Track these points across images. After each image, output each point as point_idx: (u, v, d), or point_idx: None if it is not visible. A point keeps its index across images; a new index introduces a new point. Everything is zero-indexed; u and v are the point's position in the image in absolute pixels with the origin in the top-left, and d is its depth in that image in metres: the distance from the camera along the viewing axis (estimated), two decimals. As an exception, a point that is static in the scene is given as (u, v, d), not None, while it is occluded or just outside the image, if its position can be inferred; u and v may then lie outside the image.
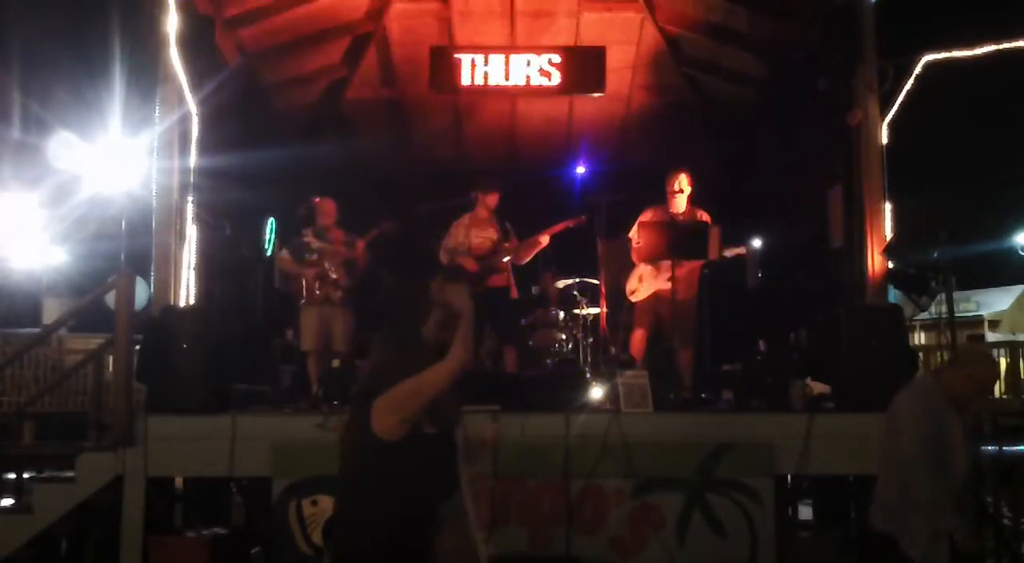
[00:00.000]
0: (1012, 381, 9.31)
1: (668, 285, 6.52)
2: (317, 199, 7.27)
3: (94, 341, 7.44)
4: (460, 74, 7.95)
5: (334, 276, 7.06)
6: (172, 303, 5.95)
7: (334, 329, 7.04)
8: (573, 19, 8.17)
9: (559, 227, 7.09)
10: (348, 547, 3.03)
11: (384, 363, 3.13)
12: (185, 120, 6.24)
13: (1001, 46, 6.72)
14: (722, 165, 8.69)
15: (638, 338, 6.94)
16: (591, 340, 7.29)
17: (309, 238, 7.16)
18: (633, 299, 7.04)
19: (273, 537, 5.39)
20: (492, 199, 7.21)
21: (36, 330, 10.14)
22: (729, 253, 6.90)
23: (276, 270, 7.59)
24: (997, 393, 9.59)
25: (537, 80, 7.99)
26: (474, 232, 7.21)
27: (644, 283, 6.96)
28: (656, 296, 6.89)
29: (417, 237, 7.55)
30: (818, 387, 5.99)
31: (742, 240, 7.25)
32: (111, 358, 6.02)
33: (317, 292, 7.04)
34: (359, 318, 7.12)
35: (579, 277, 7.52)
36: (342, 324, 7.07)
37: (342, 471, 3.11)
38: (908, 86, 6.48)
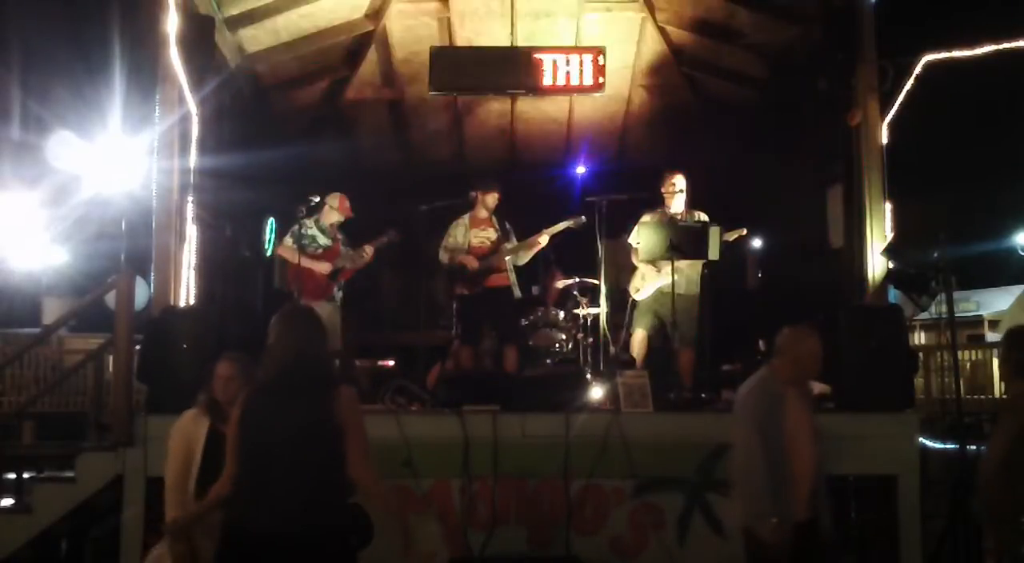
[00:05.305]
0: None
1: (669, 285, 6.52)
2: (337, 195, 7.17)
3: (94, 341, 7.43)
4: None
5: (348, 275, 7.07)
6: (172, 303, 5.94)
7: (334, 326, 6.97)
8: (573, 19, 8.16)
9: (559, 228, 7.09)
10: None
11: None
12: (185, 120, 6.22)
13: (1001, 46, 6.72)
14: (722, 165, 8.67)
15: (638, 338, 6.94)
16: (591, 340, 7.29)
17: (314, 231, 7.11)
18: (636, 297, 7.03)
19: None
20: (491, 199, 7.21)
21: (36, 330, 10.12)
22: (730, 237, 6.88)
23: (277, 268, 7.54)
24: (997, 393, 9.57)
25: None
26: (473, 232, 7.21)
27: (647, 281, 6.96)
28: (657, 296, 6.90)
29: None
30: (818, 387, 5.97)
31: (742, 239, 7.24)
32: (111, 358, 6.02)
33: (334, 289, 7.02)
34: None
35: (579, 277, 7.52)
36: (336, 321, 7.05)
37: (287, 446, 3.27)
38: (908, 86, 6.48)
